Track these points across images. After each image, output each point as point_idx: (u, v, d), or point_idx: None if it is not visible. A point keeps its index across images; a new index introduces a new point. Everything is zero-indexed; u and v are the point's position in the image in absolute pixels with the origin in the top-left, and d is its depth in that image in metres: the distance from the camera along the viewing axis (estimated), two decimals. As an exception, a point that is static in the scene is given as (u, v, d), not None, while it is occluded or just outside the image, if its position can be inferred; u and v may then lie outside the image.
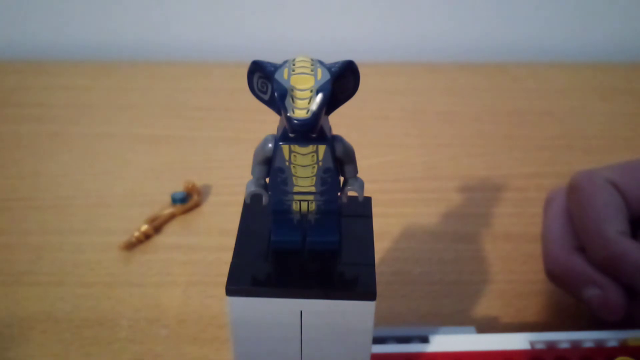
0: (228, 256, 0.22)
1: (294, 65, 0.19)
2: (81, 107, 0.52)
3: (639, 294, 0.29)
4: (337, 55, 0.22)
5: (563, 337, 0.29)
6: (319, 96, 0.18)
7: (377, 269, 0.21)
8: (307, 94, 0.18)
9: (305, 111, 0.18)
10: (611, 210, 0.30)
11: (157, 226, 0.40)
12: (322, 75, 0.19)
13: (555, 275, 0.32)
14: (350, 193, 0.21)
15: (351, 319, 0.21)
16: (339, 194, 0.21)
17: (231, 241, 0.22)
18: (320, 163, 0.20)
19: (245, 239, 0.22)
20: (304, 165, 0.20)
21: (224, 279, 0.21)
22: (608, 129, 0.51)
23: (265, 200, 0.21)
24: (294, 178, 0.20)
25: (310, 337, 0.22)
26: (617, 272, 0.29)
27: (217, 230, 0.40)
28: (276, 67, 0.19)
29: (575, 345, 0.28)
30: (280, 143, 0.20)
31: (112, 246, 0.38)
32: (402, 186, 0.44)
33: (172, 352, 0.32)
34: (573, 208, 0.32)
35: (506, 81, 0.58)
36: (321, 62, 0.19)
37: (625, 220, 0.30)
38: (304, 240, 0.22)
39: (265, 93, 0.20)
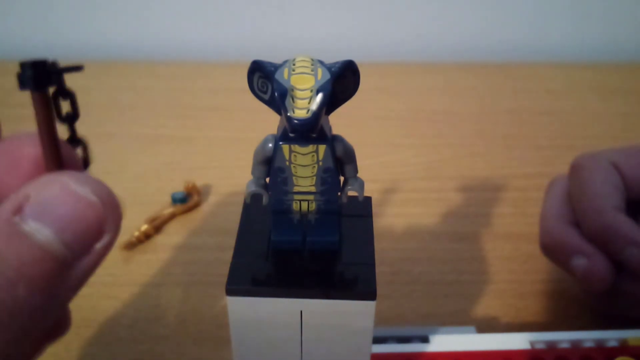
0: (228, 256, 0.22)
1: (294, 65, 0.19)
2: (81, 107, 0.52)
3: (626, 267, 0.30)
4: (337, 55, 0.22)
5: (563, 337, 0.29)
6: (319, 96, 0.18)
7: (377, 269, 0.21)
8: (307, 93, 0.18)
9: (305, 111, 0.18)
10: (609, 187, 0.31)
11: (157, 226, 0.40)
12: (322, 75, 0.19)
13: (548, 247, 0.33)
14: (351, 193, 0.21)
15: (351, 318, 0.21)
16: (339, 193, 0.21)
17: (231, 241, 0.22)
18: (321, 163, 0.20)
19: (245, 239, 0.22)
20: (304, 165, 0.20)
21: (224, 279, 0.21)
22: (608, 129, 0.51)
23: (265, 200, 0.21)
24: (294, 178, 0.20)
25: (310, 337, 0.22)
26: (607, 244, 0.30)
27: (217, 230, 0.40)
28: (276, 67, 0.19)
29: (575, 345, 0.28)
30: (281, 143, 0.20)
31: (112, 246, 0.38)
32: (402, 186, 0.44)
33: (172, 352, 0.32)
34: (573, 185, 0.33)
35: (506, 81, 0.58)
36: (321, 62, 0.19)
37: (622, 198, 0.31)
38: (304, 240, 0.22)
39: (265, 93, 0.20)
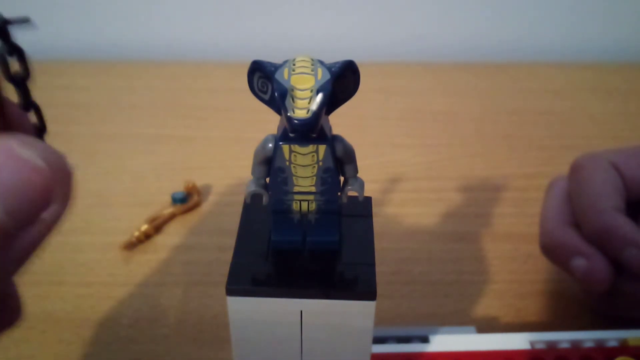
0: (228, 256, 0.22)
1: (294, 65, 0.19)
2: (81, 107, 0.52)
3: (625, 267, 0.30)
4: (337, 55, 0.22)
5: (563, 337, 0.29)
6: (319, 96, 0.18)
7: (377, 269, 0.21)
8: (308, 93, 0.18)
9: (305, 111, 0.18)
10: (608, 188, 0.31)
11: (157, 226, 0.40)
12: (322, 75, 0.19)
13: (548, 248, 0.33)
14: (351, 193, 0.21)
15: (351, 319, 0.21)
16: (339, 193, 0.21)
17: (231, 241, 0.22)
18: (321, 163, 0.20)
19: (245, 239, 0.22)
20: (304, 165, 0.20)
21: (224, 279, 0.21)
22: (608, 129, 0.51)
23: (265, 200, 0.21)
24: (294, 178, 0.20)
25: (310, 337, 0.22)
26: (606, 245, 0.30)
27: (217, 230, 0.40)
28: (276, 67, 0.19)
29: (575, 345, 0.28)
30: (281, 143, 0.20)
31: (112, 246, 0.38)
32: (402, 186, 0.44)
33: (172, 352, 0.32)
34: (573, 185, 0.33)
35: (506, 81, 0.58)
36: (321, 62, 0.19)
37: (622, 199, 0.31)
38: (304, 240, 0.22)
39: (265, 93, 0.20)
